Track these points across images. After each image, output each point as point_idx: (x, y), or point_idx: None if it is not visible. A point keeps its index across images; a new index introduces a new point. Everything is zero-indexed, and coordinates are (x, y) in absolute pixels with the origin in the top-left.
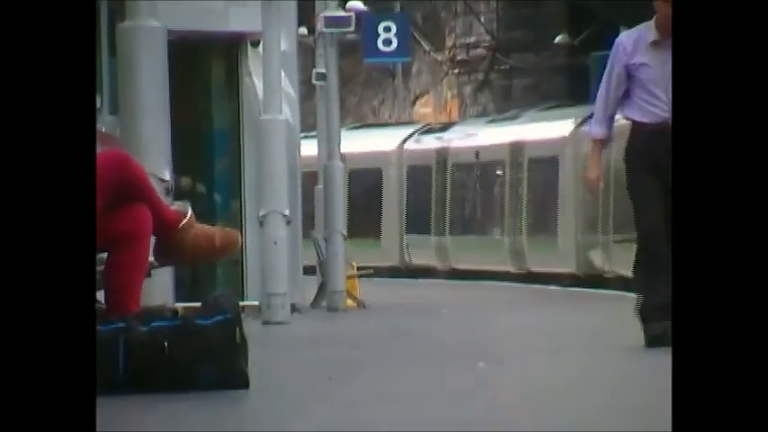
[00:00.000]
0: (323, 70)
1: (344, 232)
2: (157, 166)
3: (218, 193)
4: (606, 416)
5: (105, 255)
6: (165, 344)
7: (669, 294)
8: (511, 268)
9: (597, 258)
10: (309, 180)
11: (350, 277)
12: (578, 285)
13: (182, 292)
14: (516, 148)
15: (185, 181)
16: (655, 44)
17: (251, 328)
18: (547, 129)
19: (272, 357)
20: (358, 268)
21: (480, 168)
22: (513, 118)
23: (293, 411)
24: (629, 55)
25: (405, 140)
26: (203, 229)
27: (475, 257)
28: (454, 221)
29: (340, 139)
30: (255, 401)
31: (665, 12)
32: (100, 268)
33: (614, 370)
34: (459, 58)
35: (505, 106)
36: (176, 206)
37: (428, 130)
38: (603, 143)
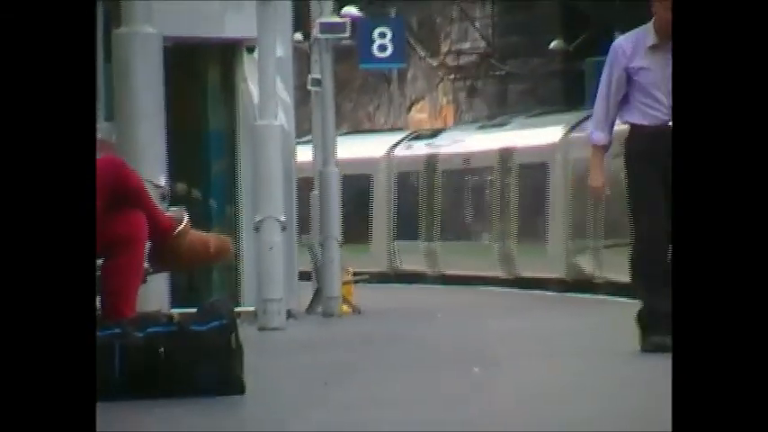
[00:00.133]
0: (318, 76)
1: (340, 238)
2: (153, 171)
3: (214, 198)
4: (602, 420)
5: (101, 260)
6: (161, 349)
7: (669, 303)
8: (500, 273)
9: (586, 264)
10: (302, 185)
11: (345, 283)
12: (567, 290)
13: (177, 298)
14: (506, 154)
15: (181, 186)
16: (654, 47)
17: (247, 333)
18: (536, 135)
19: (267, 363)
20: (354, 274)
21: (470, 174)
22: (503, 124)
23: (289, 417)
24: (628, 58)
25: (394, 147)
26: (198, 235)
27: (464, 263)
28: (443, 227)
29: (335, 145)
30: (251, 407)
31: (664, 15)
32: (96, 274)
33: (610, 374)
34: (454, 63)
35: (501, 112)
36: (172, 212)
37: (417, 137)
38: (605, 149)
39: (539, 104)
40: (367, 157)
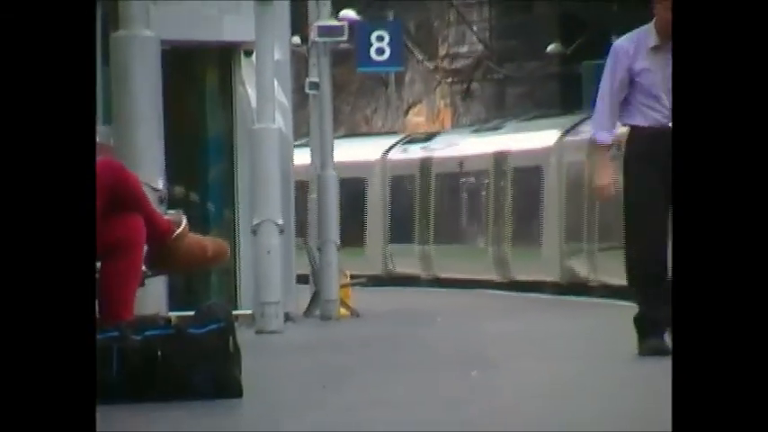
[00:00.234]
0: (316, 79)
1: (338, 241)
2: (151, 175)
3: (212, 201)
4: (600, 421)
5: (99, 263)
6: (159, 352)
7: (667, 307)
8: (495, 277)
9: (581, 267)
10: (298, 188)
11: (343, 286)
12: (562, 293)
13: (175, 301)
14: (500, 157)
15: (179, 190)
16: (655, 48)
17: (244, 336)
18: (530, 138)
19: (265, 366)
20: (351, 277)
21: (464, 178)
22: (497, 128)
23: (287, 420)
24: (630, 59)
25: (388, 150)
26: (196, 238)
27: (459, 266)
28: (438, 230)
29: (333, 149)
30: (249, 410)
31: (665, 16)
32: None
33: (606, 376)
34: (451, 67)
35: (498, 115)
36: (171, 216)
37: (412, 140)
38: (609, 148)
39: (536, 108)
40: (361, 161)
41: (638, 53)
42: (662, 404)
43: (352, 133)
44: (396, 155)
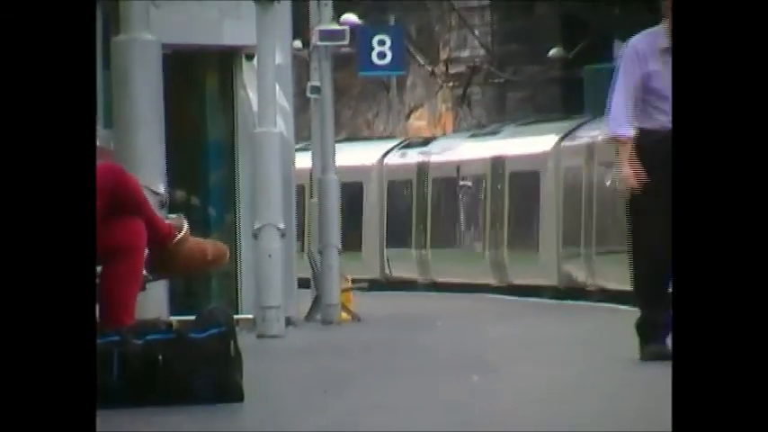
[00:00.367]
0: (317, 83)
1: (339, 246)
2: (152, 179)
3: (213, 205)
4: (599, 423)
5: (99, 267)
6: (160, 357)
7: (668, 312)
8: (492, 281)
9: (578, 271)
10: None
11: (344, 290)
12: (559, 298)
13: (176, 305)
14: (497, 162)
15: (180, 194)
16: (666, 50)
17: (245, 341)
18: (528, 143)
19: (266, 370)
20: (352, 281)
21: (461, 182)
22: (495, 132)
23: (288, 424)
24: (645, 60)
25: (385, 155)
26: (195, 241)
27: (456, 270)
28: (435, 234)
29: (335, 153)
30: (250, 414)
31: None
32: (96, 281)
33: (605, 380)
34: (453, 71)
35: (500, 119)
36: (172, 220)
37: (409, 145)
38: (630, 142)
39: (537, 112)
40: (358, 165)
41: (651, 54)
42: (662, 409)
43: (350, 138)
44: (393, 159)
